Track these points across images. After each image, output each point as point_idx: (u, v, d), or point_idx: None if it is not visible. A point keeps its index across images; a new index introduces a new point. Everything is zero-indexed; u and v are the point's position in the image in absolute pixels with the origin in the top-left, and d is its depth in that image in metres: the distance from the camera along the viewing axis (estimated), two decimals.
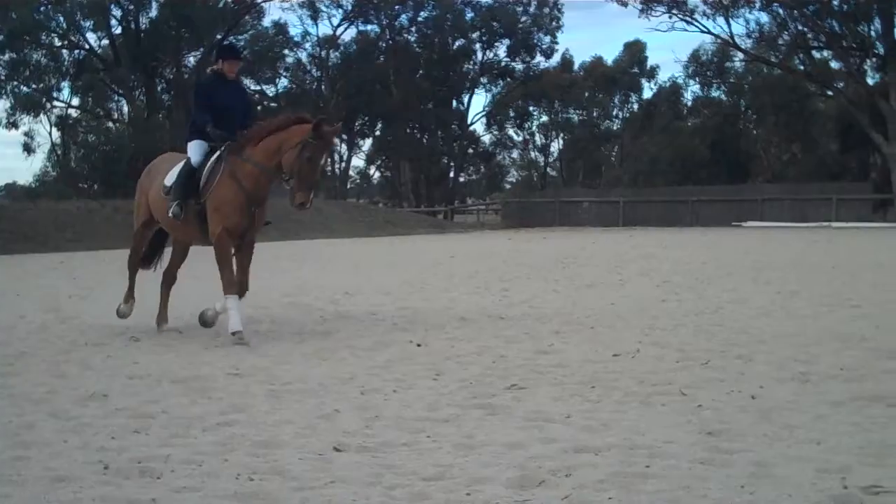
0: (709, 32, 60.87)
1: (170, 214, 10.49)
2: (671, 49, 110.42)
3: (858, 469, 5.19)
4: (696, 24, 59.72)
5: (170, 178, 10.71)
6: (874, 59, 59.05)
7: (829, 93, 62.09)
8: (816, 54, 61.03)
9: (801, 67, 61.38)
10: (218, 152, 10.57)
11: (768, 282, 16.19)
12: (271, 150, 10.29)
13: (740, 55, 64.01)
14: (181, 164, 10.78)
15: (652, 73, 73.96)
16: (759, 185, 60.34)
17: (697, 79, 70.38)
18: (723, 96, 71.59)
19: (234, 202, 10.35)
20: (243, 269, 10.63)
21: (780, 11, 58.40)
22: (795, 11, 57.49)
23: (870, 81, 59.96)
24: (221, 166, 10.44)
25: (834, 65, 61.35)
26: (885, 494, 4.80)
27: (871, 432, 5.98)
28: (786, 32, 59.66)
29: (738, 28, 60.61)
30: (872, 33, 57.88)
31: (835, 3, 57.57)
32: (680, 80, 71.45)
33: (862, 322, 11.02)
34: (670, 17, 58.99)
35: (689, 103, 72.67)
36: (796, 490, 4.89)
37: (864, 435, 5.92)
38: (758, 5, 58.59)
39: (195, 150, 10.76)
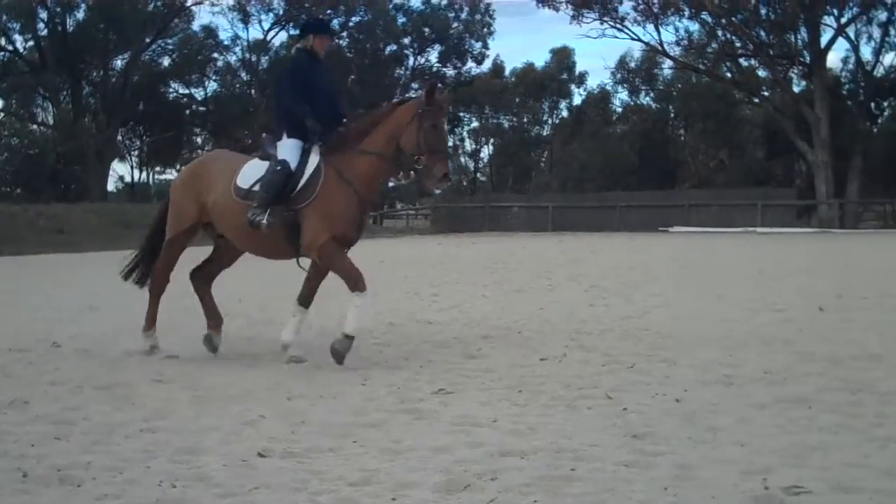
0: (639, 40, 61.55)
1: (256, 223, 9.04)
2: (601, 56, 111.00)
3: (780, 470, 5.25)
4: (626, 31, 60.34)
5: (245, 180, 9.30)
6: (800, 68, 60.05)
7: (756, 100, 62.99)
8: (744, 62, 61.87)
9: (729, 75, 62.20)
10: (317, 151, 9.28)
11: (694, 286, 16.35)
12: (386, 137, 9.19)
13: (669, 62, 64.76)
14: (255, 164, 9.43)
15: (581, 80, 74.50)
16: (687, 191, 60.95)
17: (626, 85, 71.02)
18: (651, 103, 72.29)
19: (346, 209, 9.13)
20: (318, 283, 9.63)
21: (709, 20, 59.14)
22: (724, 20, 58.24)
23: (795, 89, 60.97)
24: (322, 167, 9.18)
25: (761, 73, 62.27)
26: (806, 495, 4.87)
27: (793, 434, 6.06)
28: (714, 41, 60.44)
29: (667, 36, 61.14)
30: (799, 42, 58.85)
31: (762, 12, 58.46)
32: (609, 87, 72.09)
33: (786, 326, 11.17)
34: (601, 24, 59.52)
35: (619, 110, 73.32)
36: (719, 492, 4.94)
37: (787, 437, 5.99)
38: (687, 14, 59.30)
39: (292, 150, 9.26)
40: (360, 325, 9.17)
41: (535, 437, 6.11)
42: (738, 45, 60.22)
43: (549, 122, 76.38)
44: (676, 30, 60.68)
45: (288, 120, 9.38)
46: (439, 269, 22.05)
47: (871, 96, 60.39)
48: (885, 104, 63.87)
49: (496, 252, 29.99)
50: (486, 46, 70.99)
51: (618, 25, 59.89)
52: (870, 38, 60.08)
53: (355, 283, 9.06)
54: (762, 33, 58.95)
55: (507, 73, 74.94)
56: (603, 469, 5.37)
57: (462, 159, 79.11)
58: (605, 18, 59.45)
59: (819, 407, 6.83)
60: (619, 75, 70.09)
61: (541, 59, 75.50)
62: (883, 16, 58.72)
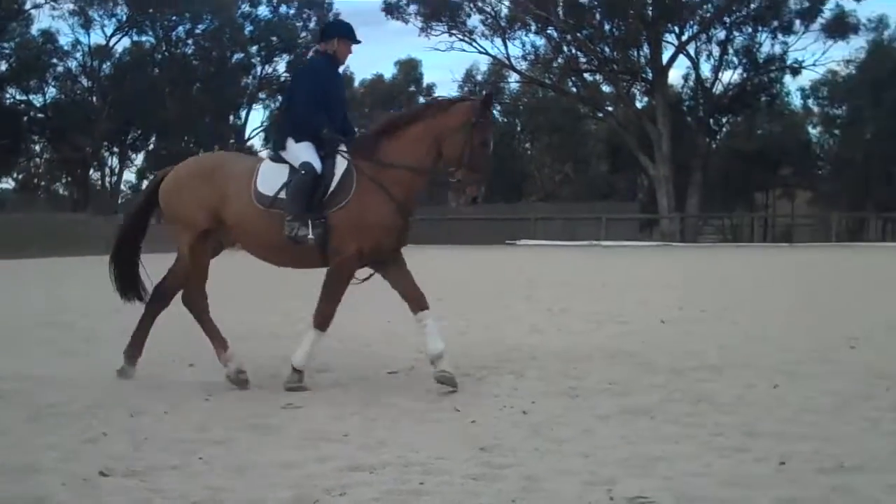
0: (486, 53, 62.34)
1: (300, 238, 8.22)
2: (449, 69, 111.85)
3: (624, 480, 5.34)
4: (474, 44, 61.01)
5: (267, 185, 8.44)
6: (643, 84, 61.65)
7: (601, 115, 64.37)
8: (589, 77, 63.20)
9: (574, 90, 63.45)
10: (343, 154, 8.52)
11: (540, 299, 16.56)
12: (426, 144, 8.44)
13: (516, 76, 65.66)
14: (271, 167, 8.59)
15: (429, 92, 74.91)
16: (533, 204, 61.92)
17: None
18: (498, 116, 73.14)
19: (382, 217, 8.39)
20: (412, 283, 8.73)
21: (555, 35, 60.21)
22: (569, 36, 59.38)
23: (638, 105, 62.56)
24: (354, 172, 8.42)
25: (605, 88, 63.72)
26: None
27: (636, 444, 6.17)
28: (560, 56, 61.55)
29: (514, 50, 62.06)
30: (641, 59, 60.40)
31: (606, 28, 59.80)
32: None
33: (629, 338, 11.40)
34: (450, 37, 60.05)
35: None
36: (565, 503, 4.99)
37: (631, 447, 6.10)
38: (534, 28, 60.29)
39: (311, 152, 8.44)
40: (302, 359, 8.46)
41: (385, 450, 6.08)
42: (583, 60, 61.51)
43: None
44: (523, 44, 61.67)
45: (298, 125, 8.61)
46: (289, 281, 21.81)
47: (710, 113, 62.33)
48: (724, 121, 66.05)
49: None
50: None
51: (466, 39, 60.58)
52: (709, 55, 62.13)
53: (323, 319, 8.62)
54: (606, 49, 60.33)
55: (356, 83, 74.85)
56: (451, 482, 5.38)
57: None
58: (454, 31, 60.04)
59: (662, 417, 6.98)
60: (465, 88, 70.73)
61: (390, 71, 75.60)
62: (722, 34, 60.82)
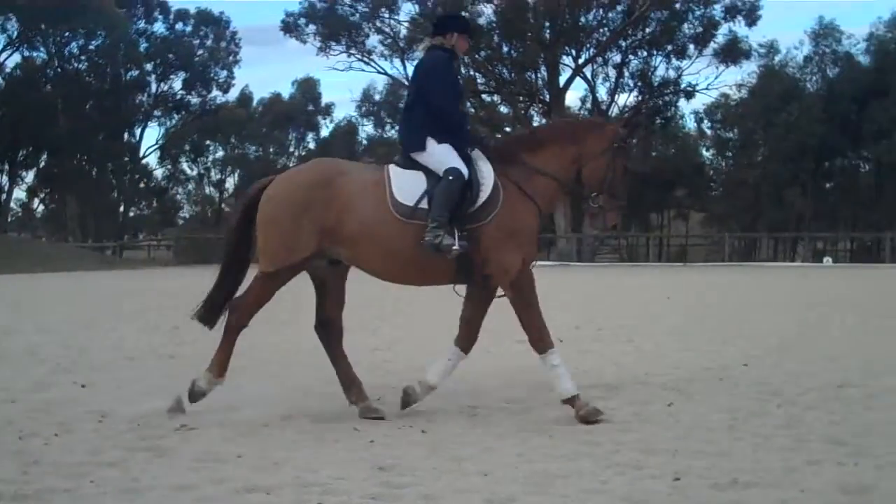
0: (385, 73, 62.39)
1: (444, 247, 7.55)
2: (349, 88, 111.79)
3: (523, 498, 5.35)
4: (373, 64, 61.04)
5: (405, 195, 7.78)
6: (540, 106, 62.27)
7: (499, 136, 64.82)
8: (487, 98, 63.67)
9: (473, 111, 63.81)
10: (483, 159, 7.99)
11: (438, 319, 16.55)
12: (567, 160, 8.07)
13: None
14: (406, 175, 7.92)
15: (328, 111, 74.84)
16: None
17: (372, 118, 71.74)
18: (397, 136, 73.26)
19: (532, 226, 7.99)
20: (474, 328, 8.39)
21: None
22: (467, 57, 59.73)
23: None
24: (498, 178, 7.89)
25: (503, 109, 64.24)
26: None
27: (535, 462, 6.19)
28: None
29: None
30: (539, 81, 61.05)
31: (504, 50, 60.34)
32: (356, 119, 72.65)
33: (526, 357, 11.40)
34: (349, 57, 60.01)
35: (365, 142, 73.93)
36: None
37: (529, 465, 6.12)
38: None
39: (455, 156, 7.82)
40: (569, 383, 7.76)
41: (281, 471, 6.01)
42: (481, 81, 61.94)
43: (296, 153, 76.22)
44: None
45: (437, 123, 7.95)
46: (180, 302, 21.53)
47: None
48: None
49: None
50: (231, 75, 70.34)
51: (365, 59, 60.57)
52: (606, 78, 63.04)
53: (541, 339, 7.97)
54: (505, 71, 60.85)
55: (255, 102, 74.43)
56: (349, 502, 5.34)
57: (207, 189, 77.91)
58: (352, 51, 60.02)
59: (559, 436, 7.02)
60: (364, 108, 70.77)
61: (288, 90, 75.31)
62: (617, 58, 61.76)
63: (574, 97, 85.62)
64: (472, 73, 61.28)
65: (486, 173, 7.87)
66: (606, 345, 12.68)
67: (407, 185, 7.83)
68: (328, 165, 8.29)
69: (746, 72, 63.89)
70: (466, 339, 8.27)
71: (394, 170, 8.02)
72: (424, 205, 7.74)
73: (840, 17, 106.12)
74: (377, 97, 69.79)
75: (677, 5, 59.15)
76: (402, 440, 6.91)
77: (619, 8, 58.99)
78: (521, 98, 61.91)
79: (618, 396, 8.70)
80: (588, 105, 64.30)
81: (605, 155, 8.07)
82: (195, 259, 52.61)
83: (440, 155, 7.84)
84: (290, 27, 60.04)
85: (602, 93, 63.96)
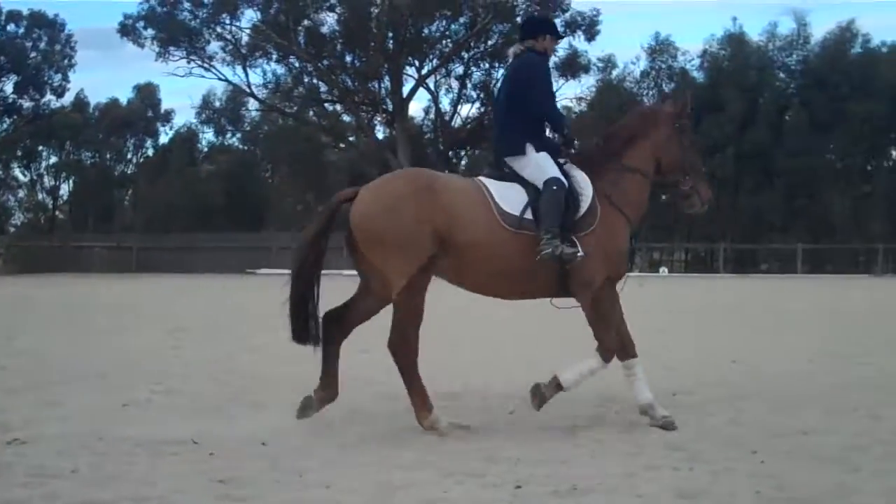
0: (226, 80, 61.54)
1: (568, 256, 7.46)
2: (189, 94, 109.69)
3: None
4: (214, 71, 60.17)
5: (511, 205, 7.62)
6: (384, 115, 62.38)
7: (342, 145, 64.75)
8: (330, 108, 63.46)
9: (316, 119, 63.53)
10: (573, 167, 7.93)
11: (280, 328, 16.38)
12: (647, 155, 8.13)
13: (255, 104, 65.17)
14: (506, 186, 7.76)
15: (167, 117, 73.40)
16: (274, 234, 61.47)
17: (212, 125, 70.73)
18: (239, 144, 72.41)
19: (624, 243, 7.93)
20: (625, 326, 8.08)
21: (296, 64, 60.17)
22: (310, 65, 59.45)
23: (380, 136, 63.23)
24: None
25: (346, 118, 64.14)
26: None
27: (377, 473, 6.18)
28: (301, 85, 61.54)
29: (255, 78, 61.74)
30: (382, 90, 61.14)
31: (348, 59, 60.25)
32: (196, 126, 71.52)
33: (374, 367, 11.40)
34: (188, 63, 59.02)
35: (206, 149, 72.87)
36: None
37: (371, 476, 6.09)
38: (275, 57, 60.05)
39: (553, 165, 7.77)
40: (649, 393, 7.87)
41: (117, 486, 5.85)
42: (324, 90, 61.73)
43: (134, 160, 74.55)
44: (265, 72, 61.26)
45: (537, 128, 7.96)
46: (10, 312, 20.89)
47: (449, 145, 63.71)
48: (463, 153, 67.62)
49: (75, 294, 28.82)
50: (66, 79, 68.32)
51: (206, 65, 59.67)
52: (449, 89, 63.56)
53: (608, 352, 7.85)
54: (348, 80, 60.76)
55: (91, 107, 72.46)
56: None
57: (39, 195, 75.52)
58: (193, 57, 59.06)
59: (402, 445, 7.02)
60: (204, 115, 69.71)
61: (126, 96, 73.56)
62: (460, 69, 62.30)
63: (418, 107, 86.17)
64: (314, 81, 61.02)
65: (584, 183, 7.82)
66: (448, 353, 12.72)
67: (508, 196, 7.69)
68: (422, 173, 8.03)
69: (586, 85, 65.25)
70: (623, 348, 7.97)
71: (488, 181, 7.83)
72: (528, 215, 7.62)
73: (676, 33, 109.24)
74: (217, 104, 68.80)
75: (518, 19, 59.99)
76: (242, 453, 6.79)
77: (461, 20, 59.53)
78: (364, 107, 61.90)
79: (460, 405, 8.74)
80: (431, 115, 64.75)
81: (674, 138, 8.19)
82: (27, 268, 50.99)
83: (540, 162, 7.78)
84: (127, 30, 58.61)
85: (445, 103, 64.51)
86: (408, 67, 60.62)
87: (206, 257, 51.77)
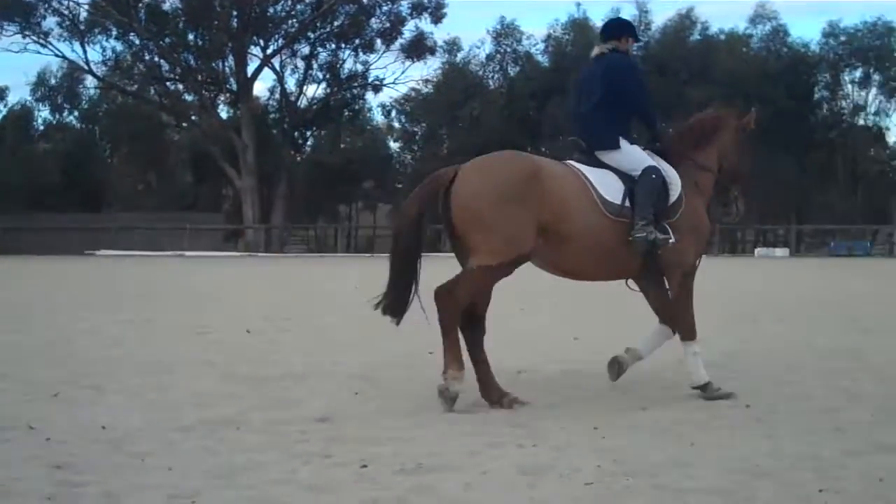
0: (63, 57, 59.87)
1: (660, 241, 7.82)
2: (24, 71, 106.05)
3: (208, 492, 5.25)
4: (50, 47, 58.41)
5: (612, 193, 7.88)
6: (228, 95, 61.53)
7: (185, 125, 63.61)
8: (172, 86, 62.26)
9: (158, 98, 62.27)
10: (657, 158, 8.26)
11: (123, 311, 16.07)
12: (714, 155, 8.54)
13: (94, 81, 63.54)
14: (602, 174, 7.99)
15: (1, 95, 70.94)
16: (114, 214, 60.17)
17: (48, 102, 68.57)
18: (76, 122, 70.41)
19: (707, 224, 8.42)
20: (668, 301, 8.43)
21: (137, 42, 58.85)
22: (151, 43, 58.22)
23: (224, 116, 62.37)
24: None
25: (189, 97, 63.00)
26: None
27: (220, 455, 6.09)
28: (141, 63, 60.23)
29: (94, 54, 60.15)
30: (227, 70, 60.27)
31: (190, 37, 59.18)
32: (31, 103, 69.26)
33: (214, 348, 11.29)
34: (23, 38, 57.16)
35: (41, 127, 70.65)
36: None
37: (214, 458, 6.01)
38: (115, 34, 58.62)
39: (646, 156, 8.20)
40: (702, 372, 8.13)
41: None
42: (166, 68, 60.54)
43: None
44: (104, 49, 59.78)
45: (629, 123, 8.35)
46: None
47: (295, 126, 63.25)
48: (309, 134, 67.23)
49: None
50: None
51: (41, 41, 57.87)
52: (294, 69, 63.06)
53: (690, 329, 8.15)
54: (191, 59, 59.71)
55: None
56: (27, 503, 5.07)
57: None
58: (28, 33, 57.22)
59: (246, 427, 6.94)
60: (39, 92, 67.57)
61: None
62: (306, 49, 61.88)
63: (263, 87, 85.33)
64: (156, 59, 59.78)
65: (671, 173, 8.17)
66: (295, 335, 12.67)
67: (607, 183, 7.94)
68: (528, 158, 8.01)
69: (432, 67, 65.55)
70: (668, 318, 8.41)
71: (584, 167, 8.04)
72: (627, 203, 7.92)
73: (520, 18, 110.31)
74: (53, 81, 66.76)
75: (365, 0, 59.92)
76: (81, 437, 6.61)
77: (307, 0, 59.11)
78: (207, 86, 60.91)
79: (306, 386, 8.69)
80: (277, 95, 64.14)
81: (736, 147, 8.65)
82: None
83: (634, 154, 8.14)
84: None
85: (291, 84, 63.98)
86: (253, 47, 60.01)
87: (43, 238, 50.41)
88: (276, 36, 60.56)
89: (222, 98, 63.04)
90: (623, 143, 8.16)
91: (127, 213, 60.81)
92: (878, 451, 6.18)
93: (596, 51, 8.69)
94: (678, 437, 6.59)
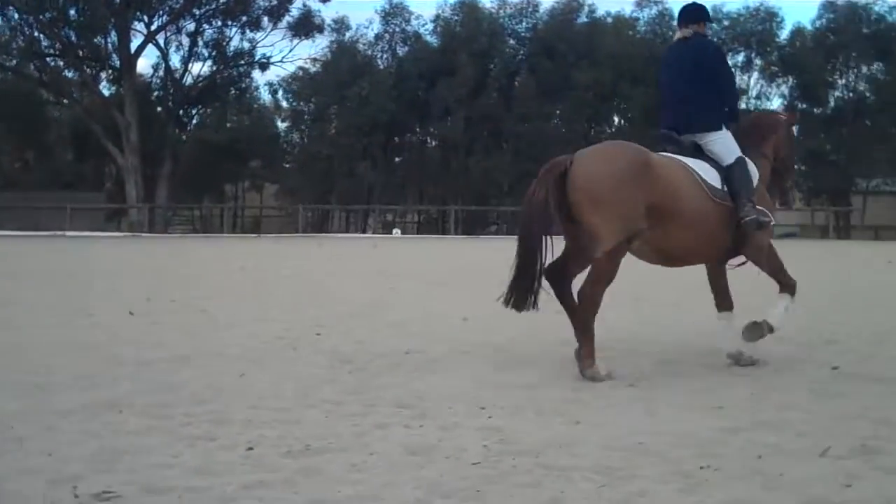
0: None
1: (764, 224, 8.51)
2: None
3: (89, 477, 5.15)
4: None
5: (713, 179, 8.48)
6: (110, 72, 60.28)
7: (65, 102, 62.16)
8: (52, 62, 60.75)
9: (37, 74, 60.69)
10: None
11: (2, 292, 15.69)
12: (771, 148, 9.25)
13: None
14: (698, 162, 8.52)
15: None
16: None
17: None
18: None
19: (772, 206, 9.10)
20: (727, 284, 9.13)
21: (16, 16, 57.31)
22: (31, 17, 56.73)
23: (106, 93, 61.07)
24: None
25: (69, 74, 61.52)
26: (116, 499, 4.82)
27: (102, 439, 5.98)
28: (20, 38, 58.63)
29: None
30: (109, 46, 59.02)
31: (71, 13, 57.81)
32: None
33: (96, 330, 11.07)
34: None
35: None
36: (28, 503, 4.73)
37: (96, 442, 5.90)
38: None
39: (735, 141, 8.79)
40: (782, 323, 9.02)
41: None
42: (45, 44, 59.06)
43: None
44: None
45: (721, 108, 8.82)
46: None
47: (180, 104, 62.27)
48: (194, 112, 66.24)
49: None
50: None
51: None
52: (179, 46, 62.01)
53: (790, 287, 8.95)
54: (71, 34, 58.34)
55: None
56: None
57: None
58: None
59: (129, 410, 6.82)
60: None
61: None
62: (192, 26, 60.90)
63: (146, 64, 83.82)
64: (35, 34, 58.25)
65: (750, 160, 8.78)
66: (179, 316, 12.50)
67: (707, 171, 8.48)
68: (639, 149, 8.33)
69: (320, 46, 65.10)
70: (726, 300, 9.04)
71: (684, 158, 8.53)
72: (725, 188, 8.51)
73: None
74: None
75: None
76: None
77: None
78: (89, 63, 59.60)
79: (191, 368, 8.58)
80: (161, 73, 63.05)
81: (789, 141, 9.42)
82: None
83: (728, 140, 8.68)
84: None
85: (176, 61, 62.96)
86: (136, 23, 58.77)
87: None
88: (161, 12, 59.50)
89: (104, 75, 61.78)
90: (723, 129, 8.76)
91: (4, 192, 59.23)
92: (756, 427, 6.34)
93: (679, 34, 9.07)
94: (564, 416, 6.67)
